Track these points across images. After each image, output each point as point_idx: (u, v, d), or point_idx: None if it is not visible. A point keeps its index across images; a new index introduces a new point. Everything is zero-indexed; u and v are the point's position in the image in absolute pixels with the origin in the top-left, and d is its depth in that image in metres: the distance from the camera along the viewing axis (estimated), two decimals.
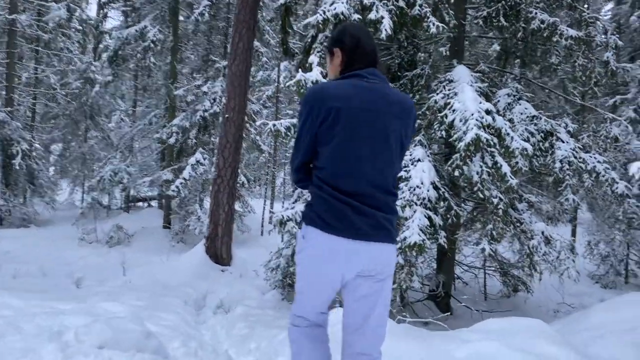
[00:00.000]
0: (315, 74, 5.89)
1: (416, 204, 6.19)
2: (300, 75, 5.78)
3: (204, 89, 13.48)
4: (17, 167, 14.56)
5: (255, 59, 15.08)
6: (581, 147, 6.99)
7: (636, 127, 9.35)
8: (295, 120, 6.84)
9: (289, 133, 6.82)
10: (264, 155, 16.53)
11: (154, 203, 19.27)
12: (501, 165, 6.03)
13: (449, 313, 6.57)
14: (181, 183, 12.45)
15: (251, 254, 10.98)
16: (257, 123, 11.62)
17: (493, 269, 9.23)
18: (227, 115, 9.57)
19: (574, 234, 13.14)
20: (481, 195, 5.90)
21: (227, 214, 9.71)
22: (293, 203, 7.48)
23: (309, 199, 2.27)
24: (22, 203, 15.81)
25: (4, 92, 16.21)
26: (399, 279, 6.04)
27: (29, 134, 16.47)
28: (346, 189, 2.13)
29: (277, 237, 10.18)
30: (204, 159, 12.69)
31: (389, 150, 2.19)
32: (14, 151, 14.78)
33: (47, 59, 18.18)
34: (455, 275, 9.53)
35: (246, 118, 11.14)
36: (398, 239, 6.11)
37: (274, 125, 6.97)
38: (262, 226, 15.91)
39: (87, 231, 13.90)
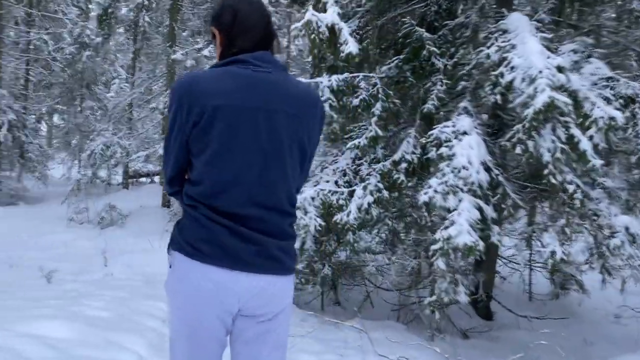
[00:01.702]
0: (332, 16, 4.35)
1: (462, 190, 4.71)
2: (310, 14, 4.20)
3: (205, 52, 11.95)
4: (2, 140, 13.24)
5: None
6: None
7: None
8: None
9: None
10: None
11: (157, 179, 18.00)
12: (579, 141, 4.50)
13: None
14: None
15: None
16: None
17: (540, 264, 7.76)
18: None
19: None
20: (553, 181, 4.40)
21: None
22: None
23: (180, 217, 1.80)
24: (10, 178, 14.58)
25: None
26: (438, 290, 4.60)
27: (20, 104, 15.14)
28: (225, 209, 1.67)
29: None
30: None
31: (281, 159, 1.72)
32: None
33: (40, 23, 16.73)
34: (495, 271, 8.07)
35: None
36: (439, 236, 4.66)
37: None
38: None
39: (78, 210, 12.62)
